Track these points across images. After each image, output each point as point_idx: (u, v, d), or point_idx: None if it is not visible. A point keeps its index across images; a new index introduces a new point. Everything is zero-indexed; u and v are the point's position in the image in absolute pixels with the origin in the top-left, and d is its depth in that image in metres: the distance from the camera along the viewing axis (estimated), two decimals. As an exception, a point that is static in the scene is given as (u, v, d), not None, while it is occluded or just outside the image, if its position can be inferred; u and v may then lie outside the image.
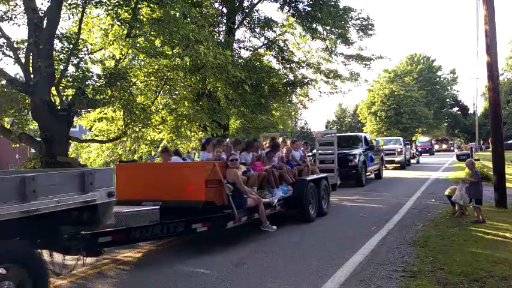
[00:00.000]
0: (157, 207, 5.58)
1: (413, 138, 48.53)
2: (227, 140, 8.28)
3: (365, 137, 15.87)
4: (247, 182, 6.79)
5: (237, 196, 6.12)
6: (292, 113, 33.19)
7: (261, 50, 16.30)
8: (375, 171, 15.98)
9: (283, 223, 7.95)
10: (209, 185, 5.97)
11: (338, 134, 16.62)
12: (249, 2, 15.72)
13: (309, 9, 15.34)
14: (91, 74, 8.61)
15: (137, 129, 10.52)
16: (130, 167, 7.24)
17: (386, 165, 21.95)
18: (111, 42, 9.94)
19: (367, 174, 14.53)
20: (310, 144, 11.98)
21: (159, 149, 11.29)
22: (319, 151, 11.89)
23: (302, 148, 9.84)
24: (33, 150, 9.89)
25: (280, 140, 9.34)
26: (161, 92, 12.22)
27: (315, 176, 8.67)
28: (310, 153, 11.53)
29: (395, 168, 21.19)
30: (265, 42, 16.37)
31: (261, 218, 6.57)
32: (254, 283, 4.44)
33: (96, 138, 11.01)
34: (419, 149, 37.74)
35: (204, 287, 4.40)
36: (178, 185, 6.10)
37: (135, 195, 6.22)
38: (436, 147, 53.49)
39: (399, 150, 21.15)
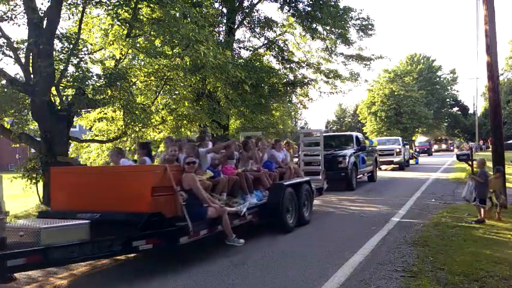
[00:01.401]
0: (87, 221, 4.56)
1: (413, 138, 48.51)
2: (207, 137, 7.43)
3: (356, 137, 14.77)
4: (215, 188, 6.15)
5: (195, 205, 5.26)
6: (292, 113, 33.27)
7: (261, 50, 16.32)
8: (368, 173, 15.03)
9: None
10: (157, 193, 4.95)
11: (327, 134, 16.46)
12: (249, 2, 15.76)
13: (309, 9, 15.36)
14: (91, 74, 8.62)
15: (137, 129, 10.52)
16: (66, 172, 6.07)
17: (385, 165, 21.91)
18: (111, 42, 9.95)
19: (358, 176, 13.63)
20: (295, 144, 11.34)
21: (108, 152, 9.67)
22: (304, 152, 11.12)
23: (285, 149, 9.12)
24: (33, 150, 9.89)
25: (253, 139, 8.54)
26: (161, 92, 12.22)
27: (294, 180, 7.79)
28: (296, 155, 11.00)
29: (394, 169, 21.16)
30: (265, 42, 16.39)
31: (225, 230, 5.55)
32: (254, 283, 4.44)
33: (96, 138, 11.02)
34: (417, 150, 37.15)
35: (204, 287, 4.40)
36: (120, 193, 5.05)
37: (71, 205, 5.31)
38: (436, 147, 53.43)
39: (398, 150, 20.79)
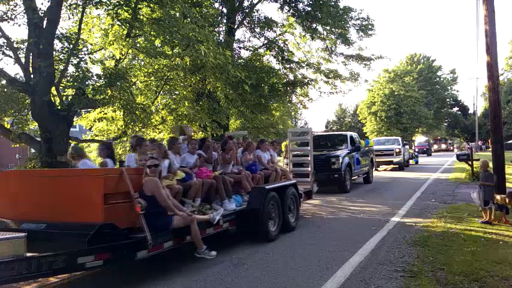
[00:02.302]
0: (23, 234, 4.02)
1: (413, 138, 48.50)
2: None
3: (351, 136, 14.20)
4: (186, 193, 5.68)
5: (158, 214, 4.70)
6: (292, 113, 33.21)
7: (261, 50, 16.30)
8: (363, 174, 14.52)
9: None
10: (110, 200, 4.32)
11: (320, 133, 16.23)
12: (249, 2, 15.75)
13: (309, 9, 15.35)
14: (91, 74, 8.60)
15: (137, 129, 10.52)
16: (12, 176, 5.38)
17: (384, 166, 21.89)
18: (111, 42, 9.94)
19: (353, 178, 13.09)
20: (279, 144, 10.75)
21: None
22: (295, 152, 10.64)
23: (271, 149, 8.66)
24: (33, 150, 9.89)
25: (236, 140, 8.16)
26: (161, 92, 12.23)
27: (277, 183, 7.24)
28: (285, 156, 10.51)
29: (393, 169, 21.14)
30: (265, 42, 16.38)
31: (195, 241, 5.01)
32: (254, 283, 4.44)
33: (96, 138, 11.01)
34: (416, 150, 36.24)
35: (204, 287, 4.40)
36: (69, 201, 4.43)
37: (16, 214, 4.68)
38: (435, 147, 53.37)
39: (397, 150, 20.70)
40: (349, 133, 14.58)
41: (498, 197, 7.08)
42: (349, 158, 12.57)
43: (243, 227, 6.20)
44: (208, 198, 6.14)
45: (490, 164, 8.30)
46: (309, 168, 9.37)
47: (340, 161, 12.00)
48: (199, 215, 5.45)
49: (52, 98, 8.45)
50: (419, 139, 47.23)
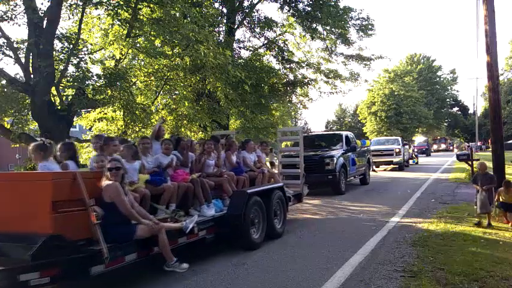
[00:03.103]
0: None
1: (413, 138, 48.48)
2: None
3: (346, 136, 13.70)
4: (159, 198, 5.19)
5: (118, 224, 4.16)
6: (292, 113, 33.22)
7: (261, 50, 16.30)
8: (360, 175, 14.07)
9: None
10: (60, 208, 3.79)
11: (314, 133, 16.00)
12: (249, 2, 15.75)
13: (309, 9, 15.36)
14: (91, 74, 8.61)
15: (137, 129, 10.52)
16: None
17: (384, 166, 21.87)
18: (111, 42, 9.95)
19: (348, 179, 12.61)
20: (270, 145, 10.22)
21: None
22: (286, 153, 10.20)
23: (259, 150, 8.22)
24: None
25: (223, 139, 7.69)
26: (161, 92, 12.23)
27: (262, 187, 6.75)
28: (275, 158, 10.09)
29: (393, 169, 21.14)
30: (265, 42, 16.38)
31: (163, 252, 4.45)
32: (254, 283, 4.44)
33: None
34: (415, 150, 35.37)
35: (204, 287, 4.40)
36: (13, 209, 3.92)
37: None
38: (435, 147, 53.29)
39: (397, 150, 20.65)
40: (344, 133, 14.15)
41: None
42: (344, 158, 12.14)
43: (222, 235, 5.70)
44: (185, 203, 5.58)
45: (490, 164, 8.30)
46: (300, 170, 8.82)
47: (335, 161, 11.52)
48: (172, 222, 4.92)
49: (52, 98, 8.46)
50: (418, 139, 46.81)
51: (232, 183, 6.51)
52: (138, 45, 10.47)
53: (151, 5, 9.41)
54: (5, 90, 8.22)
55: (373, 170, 18.51)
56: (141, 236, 4.29)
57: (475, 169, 14.16)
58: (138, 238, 4.28)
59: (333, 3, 15.44)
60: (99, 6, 9.14)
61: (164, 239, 4.41)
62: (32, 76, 7.91)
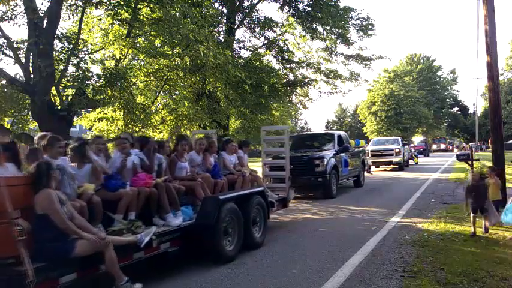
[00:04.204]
0: None
1: (412, 139, 48.44)
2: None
3: (339, 136, 12.87)
4: (116, 206, 4.63)
5: (52, 239, 3.57)
6: (292, 113, 33.24)
7: (261, 50, 16.32)
8: (353, 177, 13.26)
9: (281, 225, 7.96)
10: None
11: (304, 133, 15.63)
12: (249, 2, 15.76)
13: (309, 9, 15.37)
14: (91, 74, 8.62)
15: (137, 129, 10.53)
16: None
17: (384, 166, 21.85)
18: (111, 42, 9.96)
19: (341, 181, 11.89)
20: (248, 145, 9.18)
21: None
22: (273, 154, 9.60)
23: (241, 151, 7.67)
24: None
25: (194, 138, 7.26)
26: (161, 92, 12.24)
27: (237, 192, 6.11)
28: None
29: (393, 169, 21.14)
30: (265, 42, 16.39)
31: (111, 271, 3.82)
32: (254, 283, 4.44)
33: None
34: (413, 150, 33.98)
35: (204, 287, 4.41)
36: None
37: None
38: (434, 147, 53.15)
39: (397, 150, 20.52)
40: (336, 132, 13.41)
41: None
42: (335, 159, 11.38)
43: (190, 247, 5.14)
44: (148, 211, 5.00)
45: (490, 165, 8.27)
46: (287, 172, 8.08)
47: (325, 162, 10.76)
48: (129, 234, 4.27)
49: (52, 98, 8.46)
50: (417, 139, 46.20)
51: (207, 188, 5.89)
52: (138, 45, 10.48)
53: (151, 5, 9.42)
54: (5, 90, 8.22)
55: (368, 172, 18.24)
56: (81, 253, 3.64)
57: (475, 169, 14.19)
58: (78, 255, 3.63)
59: (333, 3, 15.46)
60: (99, 6, 9.15)
61: (112, 256, 3.78)
62: (32, 76, 7.91)
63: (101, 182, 4.69)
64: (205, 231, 4.98)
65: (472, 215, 6.22)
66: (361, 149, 16.14)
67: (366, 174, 15.62)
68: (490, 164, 8.31)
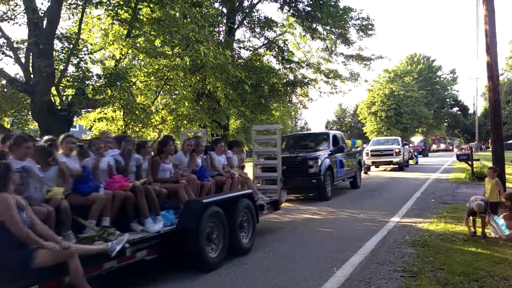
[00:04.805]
0: None
1: (411, 139, 48.39)
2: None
3: (334, 136, 12.43)
4: (89, 212, 4.32)
5: (9, 248, 3.32)
6: (292, 113, 33.27)
7: (261, 50, 16.32)
8: (349, 178, 12.86)
9: (281, 225, 7.96)
10: None
11: (298, 133, 15.20)
12: (249, 2, 15.75)
13: (309, 9, 15.36)
14: (91, 74, 8.62)
15: (137, 129, 10.54)
16: None
17: (384, 166, 21.84)
18: (111, 42, 9.97)
19: (336, 183, 11.52)
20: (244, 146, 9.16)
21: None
22: (265, 155, 9.20)
23: (231, 151, 7.38)
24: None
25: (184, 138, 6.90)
26: (161, 92, 12.24)
27: (223, 195, 5.75)
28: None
29: (393, 169, 21.14)
30: (265, 42, 16.38)
31: (76, 283, 3.46)
32: (254, 283, 4.44)
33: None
34: (411, 150, 33.01)
35: (203, 287, 4.40)
36: None
37: None
38: (434, 146, 53.06)
39: (397, 150, 20.47)
40: (331, 132, 12.96)
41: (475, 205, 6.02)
42: (330, 160, 10.98)
43: (170, 254, 4.83)
44: (125, 216, 4.70)
45: (490, 164, 8.27)
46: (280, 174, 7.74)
47: (319, 163, 10.37)
48: (100, 242, 3.95)
49: (52, 98, 8.47)
50: (416, 139, 45.70)
51: (191, 190, 5.55)
52: (138, 45, 10.49)
53: (151, 5, 9.43)
54: (5, 90, 8.23)
55: (365, 173, 18.12)
56: (43, 263, 3.34)
57: (475, 169, 14.23)
58: (40, 266, 3.33)
59: (333, 3, 15.45)
60: (99, 6, 9.16)
61: (77, 267, 3.44)
62: (32, 76, 7.91)
63: (69, 185, 4.36)
64: (186, 238, 4.67)
65: (471, 218, 6.18)
66: (358, 149, 15.85)
67: (363, 175, 15.58)
68: (490, 164, 8.30)
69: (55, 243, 3.45)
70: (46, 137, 4.84)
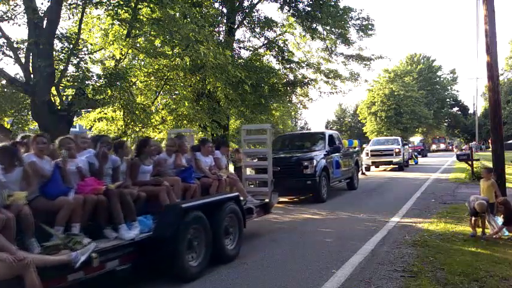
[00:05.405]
0: None
1: (410, 139, 48.36)
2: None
3: (330, 136, 12.01)
4: (55, 219, 3.94)
5: None
6: (292, 113, 33.26)
7: (261, 50, 16.33)
8: (346, 179, 12.54)
9: (281, 225, 7.96)
10: None
11: (293, 132, 14.75)
12: (249, 2, 15.76)
13: (309, 9, 15.36)
14: (91, 74, 8.62)
15: (137, 129, 10.54)
16: None
17: (384, 166, 21.84)
18: (111, 42, 9.97)
19: (332, 184, 11.20)
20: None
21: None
22: (258, 156, 8.90)
23: (218, 151, 7.08)
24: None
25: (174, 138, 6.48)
26: (161, 92, 12.24)
27: (205, 199, 5.34)
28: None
29: (393, 169, 21.14)
30: (265, 42, 16.39)
31: None
32: (254, 283, 4.44)
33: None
34: (410, 151, 32.22)
35: (203, 287, 4.40)
36: None
37: None
38: (434, 146, 53.02)
39: (397, 150, 20.45)
40: (328, 131, 12.59)
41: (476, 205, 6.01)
42: (326, 160, 10.68)
43: (145, 262, 4.45)
44: (98, 222, 4.35)
45: (490, 164, 8.27)
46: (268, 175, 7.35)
47: (314, 164, 10.06)
48: (66, 251, 3.62)
49: (52, 98, 8.47)
50: (415, 139, 45.45)
51: (173, 193, 5.22)
52: (138, 45, 10.49)
53: (151, 5, 9.43)
54: (5, 90, 8.23)
55: (363, 173, 18.06)
56: None
57: (475, 169, 14.23)
58: None
59: (333, 3, 15.45)
60: (99, 6, 9.15)
61: (33, 280, 3.12)
62: (32, 76, 7.91)
63: (33, 189, 3.99)
64: (163, 246, 4.30)
65: (473, 218, 6.18)
66: (355, 149, 15.62)
67: (360, 175, 15.52)
68: (490, 164, 8.30)
69: (9, 253, 3.12)
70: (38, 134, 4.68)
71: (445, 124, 64.21)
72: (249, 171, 8.64)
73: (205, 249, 4.81)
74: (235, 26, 15.20)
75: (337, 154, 11.58)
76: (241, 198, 6.14)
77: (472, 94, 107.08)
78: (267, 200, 6.98)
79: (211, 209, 5.08)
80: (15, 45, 8.03)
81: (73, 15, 9.30)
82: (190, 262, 4.60)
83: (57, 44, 8.38)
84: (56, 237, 3.83)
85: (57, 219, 3.95)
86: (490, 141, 11.62)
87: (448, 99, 62.47)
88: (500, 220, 6.03)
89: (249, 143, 8.44)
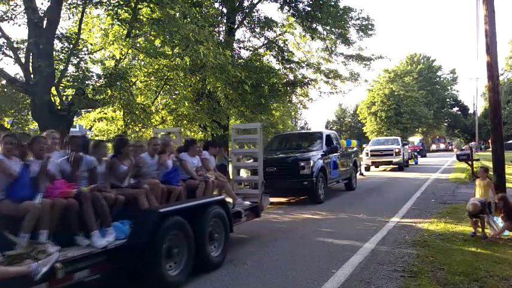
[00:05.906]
0: None
1: (409, 139, 48.29)
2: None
3: (327, 136, 11.81)
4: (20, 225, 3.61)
5: None
6: (292, 113, 33.23)
7: (261, 50, 16.33)
8: (344, 180, 12.37)
9: (281, 225, 7.96)
10: None
11: (290, 132, 14.68)
12: (249, 2, 15.76)
13: (309, 9, 15.37)
14: (91, 74, 8.63)
15: (137, 129, 10.54)
16: None
17: (384, 166, 21.84)
18: (111, 42, 9.97)
19: (329, 185, 11.04)
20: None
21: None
22: (248, 156, 8.61)
23: (206, 152, 6.81)
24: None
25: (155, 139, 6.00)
26: (161, 92, 12.25)
27: (188, 203, 4.99)
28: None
29: (393, 170, 21.14)
30: (265, 42, 16.39)
31: None
32: (254, 283, 4.44)
33: (96, 138, 11.03)
34: (409, 151, 31.46)
35: (204, 287, 4.41)
36: None
37: None
38: (434, 146, 52.96)
39: (397, 150, 20.42)
40: (325, 131, 12.36)
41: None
42: (323, 161, 10.48)
43: (119, 272, 4.17)
44: (68, 229, 3.99)
45: (490, 164, 8.26)
46: (262, 177, 7.03)
47: (311, 164, 9.86)
48: (29, 260, 3.33)
49: (52, 98, 8.47)
50: (415, 139, 45.19)
51: (153, 197, 4.90)
52: (138, 45, 10.49)
53: (151, 5, 9.43)
54: (5, 90, 8.23)
55: (361, 174, 17.97)
56: None
57: (475, 169, 14.22)
58: None
59: (333, 3, 15.45)
60: (99, 6, 9.16)
61: None
62: (32, 76, 7.91)
63: None
64: (139, 254, 3.96)
65: (473, 219, 6.17)
66: (353, 149, 15.45)
67: (359, 176, 15.46)
68: (490, 164, 8.30)
69: None
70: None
71: (445, 124, 64.21)
72: (244, 173, 8.43)
73: (186, 256, 4.47)
74: (235, 26, 15.21)
75: (334, 154, 11.43)
76: (230, 201, 5.95)
77: (472, 94, 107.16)
78: (257, 203, 6.65)
79: (194, 213, 4.74)
80: (15, 45, 8.03)
81: (73, 15, 9.30)
82: (170, 271, 4.27)
83: (57, 44, 8.39)
84: (19, 246, 3.49)
85: (23, 225, 3.61)
86: (490, 141, 11.62)
87: (448, 99, 62.48)
88: (499, 220, 6.03)
89: (240, 142, 8.07)
